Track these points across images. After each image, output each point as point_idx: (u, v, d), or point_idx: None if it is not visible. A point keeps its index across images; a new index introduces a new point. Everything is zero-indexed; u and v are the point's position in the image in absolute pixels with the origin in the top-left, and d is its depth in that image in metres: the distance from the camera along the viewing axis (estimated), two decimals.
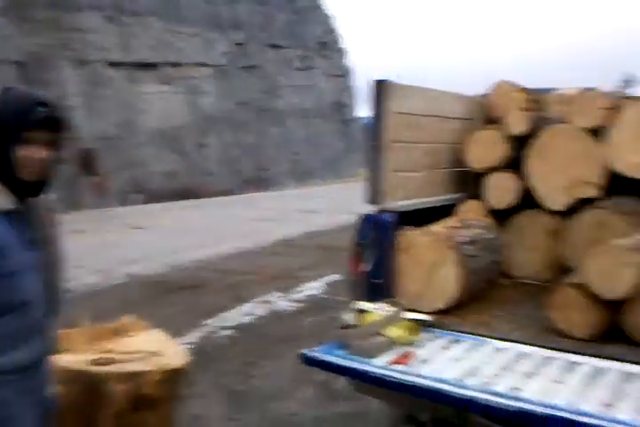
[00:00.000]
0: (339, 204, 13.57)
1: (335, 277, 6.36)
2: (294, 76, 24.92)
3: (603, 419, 1.70)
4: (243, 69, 22.48)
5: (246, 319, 5.33)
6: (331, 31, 28.14)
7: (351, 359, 2.23)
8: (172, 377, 2.34)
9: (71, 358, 2.20)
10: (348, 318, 2.44)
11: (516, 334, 2.39)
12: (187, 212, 14.50)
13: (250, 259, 8.34)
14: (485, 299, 2.87)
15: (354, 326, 2.38)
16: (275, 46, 24.18)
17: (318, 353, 2.31)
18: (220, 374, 3.97)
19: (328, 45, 27.41)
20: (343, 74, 28.30)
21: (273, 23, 24.17)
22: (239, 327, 5.08)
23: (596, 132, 2.88)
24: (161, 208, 15.49)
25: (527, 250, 3.14)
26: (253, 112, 22.53)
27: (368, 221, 2.68)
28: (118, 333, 2.63)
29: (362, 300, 2.55)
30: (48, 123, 1.46)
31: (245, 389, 3.75)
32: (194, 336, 4.81)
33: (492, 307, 2.77)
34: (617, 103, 2.91)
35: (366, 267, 2.65)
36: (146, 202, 17.06)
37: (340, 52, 28.66)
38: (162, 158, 18.95)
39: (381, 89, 2.69)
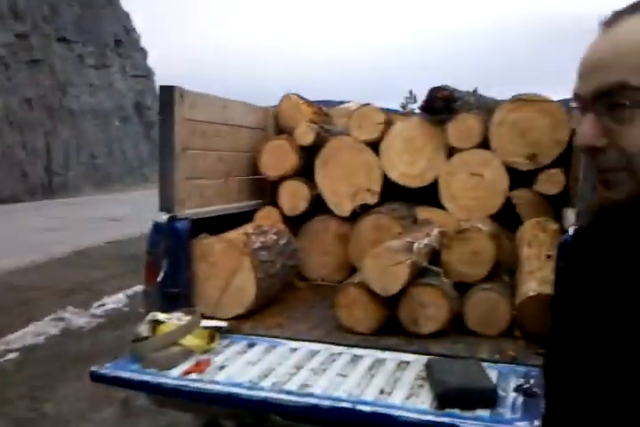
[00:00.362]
0: (144, 211, 12.88)
1: (138, 288, 6.09)
2: (88, 74, 23.20)
3: (379, 405, 1.89)
4: (26, 63, 20.26)
5: (36, 340, 4.83)
6: (128, 29, 26.80)
7: (145, 373, 2.17)
8: None
9: None
10: (142, 330, 2.38)
11: (310, 334, 2.54)
12: None
13: (42, 273, 7.58)
14: (283, 302, 3.01)
15: (148, 339, 2.33)
16: (63, 40, 22.24)
17: (109, 369, 2.21)
18: (5, 402, 3.56)
19: (126, 44, 26.06)
20: (144, 74, 27.14)
21: (60, 15, 22.20)
22: (28, 349, 4.59)
23: (375, 144, 3.20)
24: None
25: (321, 253, 3.36)
26: (41, 111, 20.45)
27: (160, 230, 2.63)
28: None
29: (158, 310, 2.50)
30: None
31: (35, 415, 3.41)
32: None
33: (288, 309, 2.91)
34: (390, 118, 3.28)
35: (161, 276, 2.59)
36: None
37: (139, 51, 27.43)
38: None
39: (169, 95, 2.66)
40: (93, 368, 2.22)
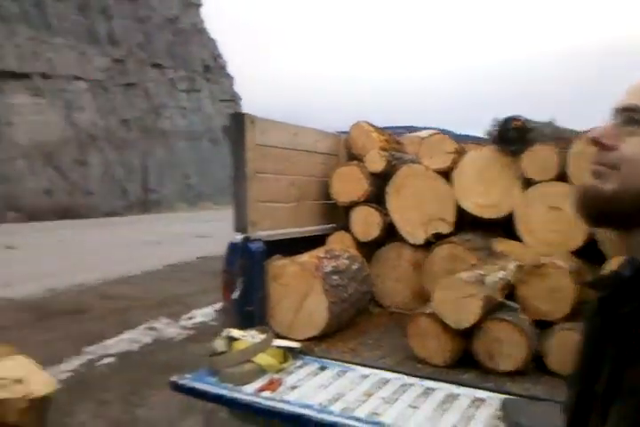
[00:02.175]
0: (230, 229, 13.22)
1: None
2: (179, 97, 24.58)
3: None
4: (122, 86, 21.77)
5: (131, 346, 5.20)
6: (215, 56, 28.10)
7: (221, 387, 2.27)
8: (39, 405, 2.30)
9: None
10: (219, 345, 2.48)
11: (381, 362, 2.53)
12: (67, 232, 13.73)
13: (136, 284, 8.13)
14: (355, 327, 3.03)
15: (224, 354, 2.43)
16: (156, 65, 23.71)
17: (188, 380, 2.33)
18: (102, 404, 3.86)
19: (214, 69, 27.36)
20: (231, 99, 28.30)
21: (153, 42, 23.71)
22: (123, 355, 4.95)
23: (447, 173, 3.17)
24: (37, 227, 14.56)
25: (394, 280, 3.35)
26: (137, 131, 21.87)
27: (235, 250, 2.73)
28: None
29: (233, 327, 2.59)
30: None
31: (130, 418, 3.67)
32: (73, 364, 4.65)
33: (360, 335, 2.92)
34: (463, 147, 3.24)
35: (236, 294, 2.69)
36: (21, 220, 15.97)
37: (226, 77, 28.66)
38: (37, 175, 17.83)
39: (239, 122, 2.76)
40: (173, 378, 2.36)
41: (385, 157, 3.35)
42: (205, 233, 13.77)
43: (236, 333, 2.52)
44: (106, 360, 4.81)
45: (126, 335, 5.52)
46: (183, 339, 5.50)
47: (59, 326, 5.79)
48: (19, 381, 2.35)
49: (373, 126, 3.63)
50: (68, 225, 15.42)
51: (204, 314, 6.36)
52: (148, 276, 8.75)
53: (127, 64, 22.23)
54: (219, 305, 6.36)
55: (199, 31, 27.10)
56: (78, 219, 17.03)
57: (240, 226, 2.80)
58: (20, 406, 2.21)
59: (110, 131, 20.75)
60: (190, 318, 6.22)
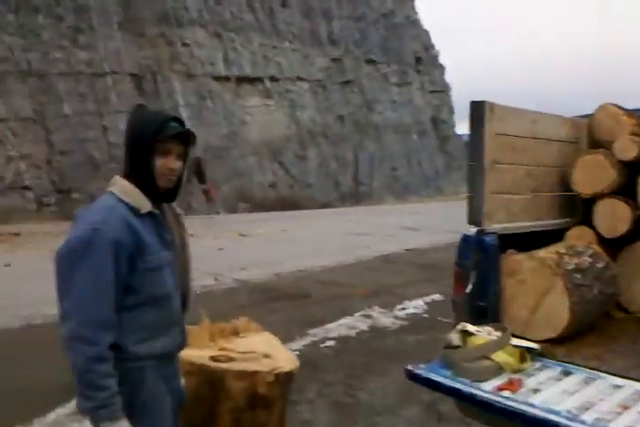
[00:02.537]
0: (439, 222, 13.34)
1: (436, 297, 6.32)
2: (391, 91, 25.06)
3: None
4: (339, 84, 22.89)
5: (349, 332, 5.42)
6: (427, 47, 28.02)
7: (456, 380, 2.25)
8: (284, 380, 2.44)
9: (193, 353, 2.35)
10: (454, 338, 2.43)
11: (636, 372, 2.28)
12: (288, 222, 14.92)
13: (350, 272, 8.47)
14: (599, 332, 2.78)
15: (459, 348, 2.38)
16: (370, 61, 24.47)
17: (424, 371, 2.35)
18: (326, 385, 4.07)
19: (425, 61, 27.33)
20: (441, 89, 28.01)
21: (368, 39, 24.48)
22: (342, 339, 5.19)
23: None
24: (264, 217, 16.07)
25: None
26: (351, 126, 22.88)
27: (468, 242, 2.66)
28: (234, 333, 2.79)
29: (465, 321, 2.52)
30: (180, 136, 1.68)
31: (351, 401, 3.82)
32: (299, 344, 4.98)
33: (606, 341, 2.67)
34: None
35: (469, 289, 2.62)
36: (250, 210, 17.84)
37: (437, 67, 28.41)
38: (265, 169, 19.71)
39: (479, 111, 2.65)
40: (409, 367, 2.38)
41: (638, 142, 2.99)
42: (412, 225, 13.89)
43: (471, 327, 2.45)
44: (327, 343, 5.08)
45: (344, 321, 5.77)
46: (397, 329, 5.58)
47: (285, 308, 6.30)
48: (267, 355, 2.54)
49: (622, 109, 3.25)
50: (289, 215, 16.79)
51: (416, 306, 6.38)
52: (361, 265, 9.07)
53: (344, 62, 23.39)
54: (429, 298, 6.45)
55: (412, 23, 27.30)
56: (298, 210, 18.42)
57: (474, 218, 2.72)
58: (268, 380, 2.38)
59: (327, 127, 22.07)
60: (403, 309, 6.28)
